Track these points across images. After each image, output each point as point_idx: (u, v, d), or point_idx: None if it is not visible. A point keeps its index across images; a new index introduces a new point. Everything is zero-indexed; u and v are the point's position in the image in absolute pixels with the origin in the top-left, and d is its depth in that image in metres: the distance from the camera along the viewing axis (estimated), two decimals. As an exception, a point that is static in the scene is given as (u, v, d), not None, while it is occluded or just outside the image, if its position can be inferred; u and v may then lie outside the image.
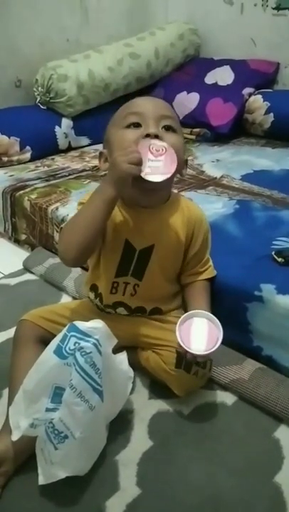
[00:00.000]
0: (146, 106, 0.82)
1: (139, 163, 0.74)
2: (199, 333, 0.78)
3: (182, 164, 0.85)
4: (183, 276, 0.93)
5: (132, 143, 0.78)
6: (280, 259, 0.99)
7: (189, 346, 0.77)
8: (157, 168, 0.75)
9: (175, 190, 0.96)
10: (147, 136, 0.78)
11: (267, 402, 0.85)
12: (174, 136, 0.82)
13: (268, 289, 0.93)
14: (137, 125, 0.81)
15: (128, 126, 0.81)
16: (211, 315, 0.80)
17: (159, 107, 0.84)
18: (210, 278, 0.93)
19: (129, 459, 0.78)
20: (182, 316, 0.80)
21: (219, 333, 0.78)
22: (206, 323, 0.80)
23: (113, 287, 0.89)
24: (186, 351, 0.77)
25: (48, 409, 0.71)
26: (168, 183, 0.81)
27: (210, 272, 0.93)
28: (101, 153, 0.87)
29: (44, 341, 0.83)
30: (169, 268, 0.90)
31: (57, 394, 0.71)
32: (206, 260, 0.92)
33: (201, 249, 0.90)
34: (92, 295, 0.94)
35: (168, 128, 0.82)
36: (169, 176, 0.76)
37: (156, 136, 0.78)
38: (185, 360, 0.81)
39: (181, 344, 0.77)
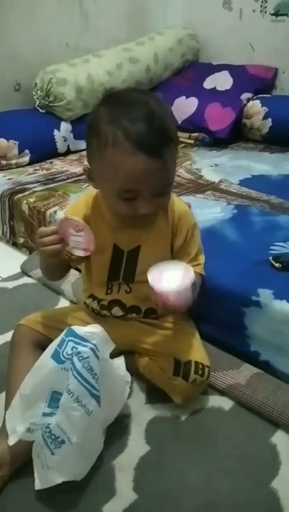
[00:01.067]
0: (145, 182, 0.74)
1: (59, 253, 0.79)
2: (172, 276, 0.76)
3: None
4: None
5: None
6: (277, 265, 1.00)
7: (160, 285, 0.74)
8: (79, 243, 0.78)
9: (174, 195, 0.96)
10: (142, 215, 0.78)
11: (264, 407, 0.85)
12: (166, 196, 0.80)
13: (265, 294, 0.93)
14: (132, 198, 0.77)
15: (122, 197, 0.76)
16: (186, 264, 0.79)
17: (160, 180, 0.75)
18: (200, 273, 0.90)
19: (126, 463, 0.78)
20: (156, 264, 0.78)
21: (191, 275, 0.76)
22: (181, 269, 0.78)
23: (108, 288, 0.90)
24: (156, 291, 0.74)
25: (44, 414, 0.71)
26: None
27: (199, 268, 0.90)
28: (85, 170, 0.84)
29: (41, 346, 0.83)
30: None
31: (54, 398, 0.71)
32: (194, 256, 0.90)
33: (186, 242, 0.89)
34: (89, 300, 0.94)
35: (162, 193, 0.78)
36: (88, 253, 0.79)
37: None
38: (156, 305, 0.78)
39: (152, 281, 0.74)
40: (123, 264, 0.88)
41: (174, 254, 0.90)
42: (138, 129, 0.71)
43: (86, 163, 0.86)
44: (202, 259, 0.93)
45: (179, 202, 0.91)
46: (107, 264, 0.88)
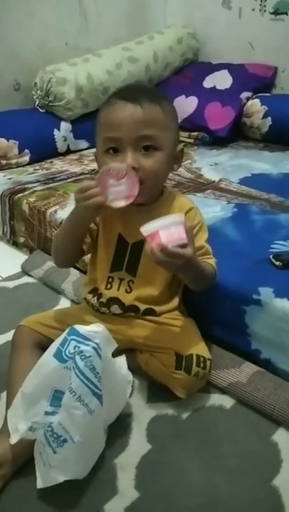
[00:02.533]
0: (124, 126, 0.78)
1: (98, 206, 0.77)
2: (164, 222, 0.74)
3: (164, 176, 0.86)
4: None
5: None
6: (278, 263, 1.00)
7: (152, 225, 0.73)
8: (120, 192, 0.77)
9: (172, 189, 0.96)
10: None
11: (265, 406, 0.85)
12: (154, 155, 0.81)
13: (266, 293, 0.93)
14: (116, 149, 0.80)
15: (107, 151, 0.81)
16: (179, 213, 0.78)
17: (137, 124, 0.78)
18: (212, 265, 0.90)
19: (127, 462, 0.78)
20: (151, 221, 0.75)
21: (182, 218, 0.74)
22: (174, 215, 0.76)
23: (108, 282, 0.91)
24: (148, 232, 0.73)
25: (47, 413, 0.71)
26: (150, 192, 0.81)
27: (213, 261, 0.90)
28: (96, 157, 0.89)
29: (42, 346, 0.84)
30: None
31: (56, 397, 0.71)
32: (204, 251, 0.89)
33: (194, 237, 0.86)
34: (89, 295, 0.95)
35: (147, 148, 0.80)
36: (131, 200, 0.77)
37: (133, 168, 0.78)
38: (152, 252, 0.74)
39: (142, 229, 0.73)
40: (127, 256, 0.89)
41: None
42: (127, 91, 0.84)
43: (86, 162, 0.88)
44: (213, 258, 0.92)
45: (186, 200, 0.92)
46: (111, 254, 0.89)
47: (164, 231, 0.73)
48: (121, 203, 0.78)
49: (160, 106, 0.82)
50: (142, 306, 0.91)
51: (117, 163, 0.78)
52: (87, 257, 1.00)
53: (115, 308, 0.92)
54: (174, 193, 0.93)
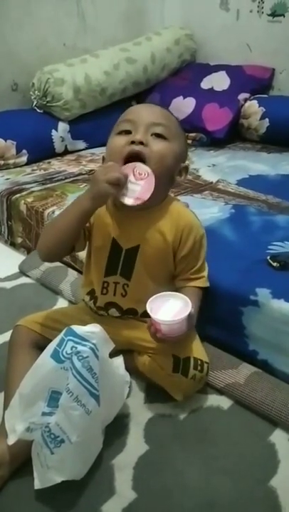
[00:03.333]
0: (140, 113, 0.85)
1: (117, 182, 0.77)
2: (170, 309, 0.79)
3: (169, 172, 0.86)
4: (176, 281, 0.93)
5: (117, 149, 0.82)
6: (275, 264, 1.00)
7: (155, 314, 0.77)
8: (134, 191, 0.78)
9: (172, 195, 0.96)
10: (132, 143, 0.80)
11: (262, 406, 0.86)
12: (162, 143, 0.83)
13: (263, 294, 0.93)
14: (128, 132, 0.83)
15: (120, 133, 0.84)
16: (187, 298, 0.80)
17: (153, 113, 0.85)
18: (202, 287, 0.91)
19: (125, 463, 0.78)
20: (159, 294, 0.80)
21: (188, 310, 0.77)
22: (180, 303, 0.80)
23: (103, 287, 0.91)
24: (152, 320, 0.77)
25: (44, 414, 0.71)
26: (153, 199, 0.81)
27: (202, 281, 0.91)
28: (103, 158, 0.90)
29: (39, 346, 0.84)
30: (156, 270, 0.90)
31: (53, 398, 0.71)
32: (198, 268, 0.91)
33: (190, 254, 0.89)
34: (87, 298, 0.95)
35: (158, 135, 0.83)
36: (140, 202, 0.79)
37: (141, 143, 0.80)
38: (150, 332, 0.80)
39: (149, 310, 0.77)
40: (121, 261, 0.89)
41: (177, 262, 0.90)
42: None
43: (84, 163, 0.88)
44: (206, 270, 0.93)
45: (185, 212, 0.91)
46: (105, 259, 0.89)
47: (167, 326, 0.78)
48: (129, 201, 0.79)
49: (175, 121, 0.89)
50: (140, 309, 0.91)
51: (143, 165, 0.79)
52: (83, 256, 0.99)
53: (113, 312, 0.92)
54: (175, 204, 0.91)
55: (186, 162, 0.91)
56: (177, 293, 0.82)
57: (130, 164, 0.79)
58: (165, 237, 0.87)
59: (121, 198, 0.79)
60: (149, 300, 0.79)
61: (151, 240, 0.87)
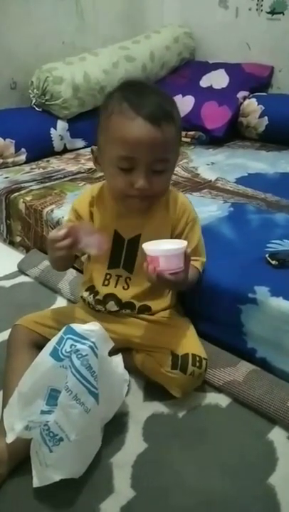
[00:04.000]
0: (141, 148, 0.77)
1: (69, 247, 0.79)
2: (167, 247, 0.78)
3: (166, 191, 0.88)
4: None
5: (121, 191, 0.82)
6: (273, 262, 1.00)
7: (152, 248, 0.77)
8: (92, 243, 0.80)
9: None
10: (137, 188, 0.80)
11: (261, 404, 0.86)
12: (164, 175, 0.82)
13: (261, 292, 0.93)
14: (128, 169, 0.80)
15: (120, 168, 0.80)
16: (183, 240, 0.81)
17: (155, 147, 0.77)
18: (197, 267, 0.91)
19: (123, 461, 0.78)
20: (155, 241, 0.80)
21: (183, 247, 0.77)
22: (176, 242, 0.80)
23: (106, 279, 0.91)
24: (147, 254, 0.77)
25: (43, 412, 0.71)
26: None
27: (198, 263, 0.92)
28: (92, 151, 0.88)
29: (38, 346, 0.84)
30: None
31: (52, 396, 0.71)
32: (193, 250, 0.90)
33: (183, 232, 0.90)
34: (86, 293, 0.95)
35: (160, 170, 0.81)
36: (102, 252, 0.82)
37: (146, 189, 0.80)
38: (147, 272, 0.78)
39: (145, 247, 0.77)
40: (123, 252, 0.90)
41: None
42: (142, 101, 0.78)
43: (83, 161, 0.88)
44: (203, 257, 0.94)
45: (180, 195, 0.93)
46: (108, 251, 0.90)
47: (164, 258, 0.76)
48: (93, 251, 0.82)
49: (173, 122, 0.80)
50: (138, 303, 0.91)
51: (86, 223, 0.86)
52: (84, 256, 1.00)
53: (111, 305, 0.92)
54: (171, 190, 0.93)
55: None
56: (172, 239, 0.82)
57: (74, 228, 0.79)
58: (164, 221, 0.89)
59: (85, 250, 0.82)
60: (145, 243, 0.79)
61: (152, 228, 0.89)
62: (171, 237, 0.91)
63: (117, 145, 0.78)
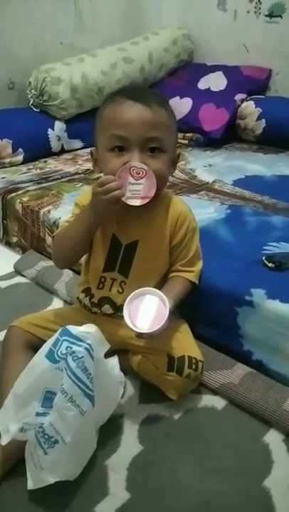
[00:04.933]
0: (132, 126, 0.78)
1: (117, 200, 0.77)
2: (148, 311, 0.78)
3: (166, 178, 0.87)
4: (167, 274, 0.93)
5: (114, 172, 0.79)
6: (270, 264, 1.00)
7: (134, 323, 0.77)
8: (138, 191, 0.79)
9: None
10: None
11: (257, 407, 0.86)
12: (159, 157, 0.81)
13: (258, 294, 0.93)
14: (121, 148, 0.80)
15: (112, 149, 0.81)
16: (163, 295, 0.80)
17: (145, 125, 0.78)
18: (190, 280, 0.92)
19: (119, 463, 0.78)
20: (134, 292, 0.80)
21: (166, 313, 0.77)
22: (157, 302, 0.79)
23: (100, 282, 0.91)
24: (131, 329, 0.77)
25: (38, 414, 0.70)
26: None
27: (191, 275, 0.92)
28: (92, 153, 0.88)
29: (34, 347, 0.84)
30: (154, 267, 0.91)
31: (48, 398, 0.71)
32: (189, 261, 0.91)
33: (181, 243, 0.90)
34: (82, 295, 0.95)
35: (153, 149, 0.81)
36: (147, 200, 0.79)
37: None
38: (135, 334, 0.79)
39: (127, 320, 0.77)
40: (120, 256, 0.89)
41: (170, 253, 0.91)
42: (134, 91, 0.83)
43: (80, 162, 0.87)
44: (198, 266, 0.94)
45: (180, 202, 0.93)
46: (105, 254, 0.89)
47: (149, 333, 0.77)
48: (136, 202, 0.79)
49: (166, 109, 0.83)
50: None
51: (138, 163, 0.78)
52: (82, 259, 1.00)
53: (107, 308, 0.92)
54: (169, 195, 0.93)
55: (177, 151, 0.89)
56: (151, 288, 0.81)
57: (125, 166, 0.78)
58: (163, 229, 0.88)
59: (126, 201, 0.79)
60: (124, 306, 0.79)
61: (150, 234, 0.88)
62: (170, 246, 0.90)
63: (109, 128, 0.80)
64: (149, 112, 0.79)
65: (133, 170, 0.78)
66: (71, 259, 0.92)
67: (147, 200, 0.79)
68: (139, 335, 0.78)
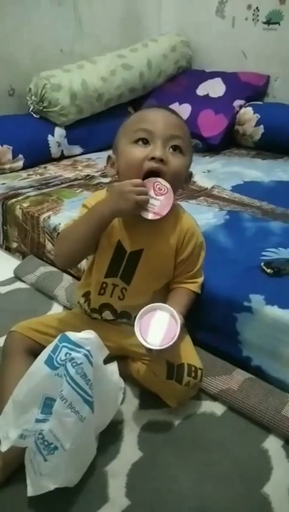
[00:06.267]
0: (158, 123, 0.83)
1: (145, 204, 0.79)
2: (158, 327, 0.79)
3: (181, 184, 0.89)
4: (170, 283, 0.94)
5: (136, 162, 0.82)
6: (269, 270, 1.01)
7: (146, 339, 0.77)
8: (154, 206, 0.81)
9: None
10: (152, 158, 0.81)
11: (256, 413, 0.86)
12: (179, 157, 0.84)
13: (256, 300, 0.94)
14: (146, 141, 0.83)
15: (136, 142, 0.83)
16: (174, 310, 0.80)
17: (170, 125, 0.84)
18: (194, 291, 0.92)
19: (118, 470, 0.78)
20: (145, 307, 0.80)
21: (177, 330, 0.78)
22: (168, 318, 0.80)
23: (102, 288, 0.91)
24: (142, 344, 0.77)
25: (37, 420, 0.70)
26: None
27: (195, 286, 0.93)
28: (109, 157, 0.90)
29: (34, 353, 0.84)
30: (156, 275, 0.91)
31: (47, 405, 0.71)
32: (194, 274, 0.92)
33: (188, 259, 0.91)
34: (82, 299, 0.95)
35: (175, 148, 0.83)
36: (159, 217, 0.81)
37: (161, 160, 0.81)
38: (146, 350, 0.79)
39: (138, 336, 0.77)
40: (123, 263, 0.89)
41: (175, 265, 0.91)
42: (158, 105, 0.91)
43: (80, 168, 0.88)
44: (202, 277, 0.94)
45: (188, 217, 0.93)
46: (108, 260, 0.89)
47: (160, 350, 0.77)
48: (148, 215, 0.81)
49: (187, 130, 0.89)
50: (134, 313, 0.91)
51: (162, 180, 0.81)
52: (82, 262, 1.00)
53: (107, 314, 0.92)
54: (178, 208, 0.93)
55: (190, 170, 0.91)
56: (161, 304, 0.82)
57: (152, 179, 0.80)
58: (169, 241, 0.89)
59: (140, 211, 0.81)
60: (136, 321, 0.79)
61: (155, 244, 0.89)
62: (176, 260, 0.90)
63: (136, 125, 0.84)
64: (173, 117, 0.86)
65: (156, 185, 0.80)
66: (75, 255, 0.89)
67: (158, 217, 0.81)
68: (150, 350, 0.78)
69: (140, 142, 0.83)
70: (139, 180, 0.80)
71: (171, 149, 0.83)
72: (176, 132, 0.84)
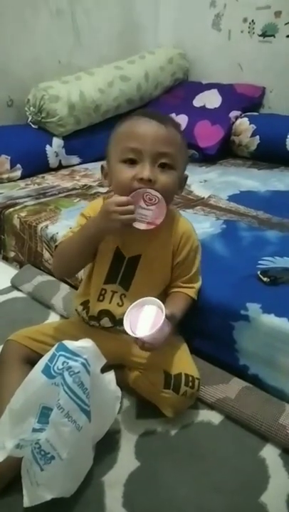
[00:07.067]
0: (146, 139, 0.81)
1: (131, 222, 0.79)
2: (147, 319, 0.79)
3: (174, 193, 0.89)
4: (167, 289, 0.94)
5: (125, 183, 0.82)
6: (265, 279, 1.01)
7: (134, 331, 0.78)
8: (145, 216, 0.81)
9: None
10: (141, 179, 0.81)
11: (253, 422, 0.86)
12: (169, 173, 0.83)
13: (253, 309, 0.94)
14: (133, 161, 0.82)
15: (125, 161, 0.83)
16: (160, 303, 0.80)
17: (158, 140, 0.81)
18: (190, 296, 0.93)
19: (115, 479, 0.78)
20: (134, 303, 0.81)
21: (162, 318, 0.78)
22: (155, 310, 0.80)
23: (101, 294, 0.91)
24: (132, 335, 0.78)
25: (34, 430, 0.70)
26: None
27: (192, 291, 0.93)
28: (102, 168, 0.91)
29: (31, 362, 0.83)
30: (155, 281, 0.92)
31: (44, 414, 0.71)
32: (190, 278, 0.93)
33: (184, 262, 0.92)
34: (80, 307, 0.95)
35: (164, 165, 0.83)
36: (153, 227, 0.81)
37: (150, 180, 0.81)
38: (136, 343, 0.81)
39: (127, 329, 0.78)
40: (122, 269, 0.90)
41: (172, 269, 0.92)
42: (150, 111, 0.89)
43: (77, 178, 0.89)
44: (199, 283, 0.95)
45: (184, 220, 0.94)
46: (107, 266, 0.90)
47: (147, 338, 0.78)
48: (141, 226, 0.81)
49: (179, 132, 0.87)
50: None
51: (153, 190, 0.80)
52: (80, 273, 1.00)
53: (106, 322, 0.92)
54: (174, 212, 0.94)
55: (185, 173, 0.91)
56: (150, 298, 0.82)
57: (140, 190, 0.80)
58: (165, 245, 0.90)
59: (133, 224, 0.81)
60: (125, 315, 0.80)
61: (153, 250, 0.90)
62: (172, 263, 0.91)
63: (124, 141, 0.83)
64: (163, 129, 0.83)
65: (146, 195, 0.80)
66: (72, 268, 0.95)
67: (153, 227, 0.81)
68: (141, 344, 0.79)
69: (128, 162, 0.82)
70: (124, 198, 0.79)
71: (159, 167, 0.82)
72: (164, 149, 0.82)
